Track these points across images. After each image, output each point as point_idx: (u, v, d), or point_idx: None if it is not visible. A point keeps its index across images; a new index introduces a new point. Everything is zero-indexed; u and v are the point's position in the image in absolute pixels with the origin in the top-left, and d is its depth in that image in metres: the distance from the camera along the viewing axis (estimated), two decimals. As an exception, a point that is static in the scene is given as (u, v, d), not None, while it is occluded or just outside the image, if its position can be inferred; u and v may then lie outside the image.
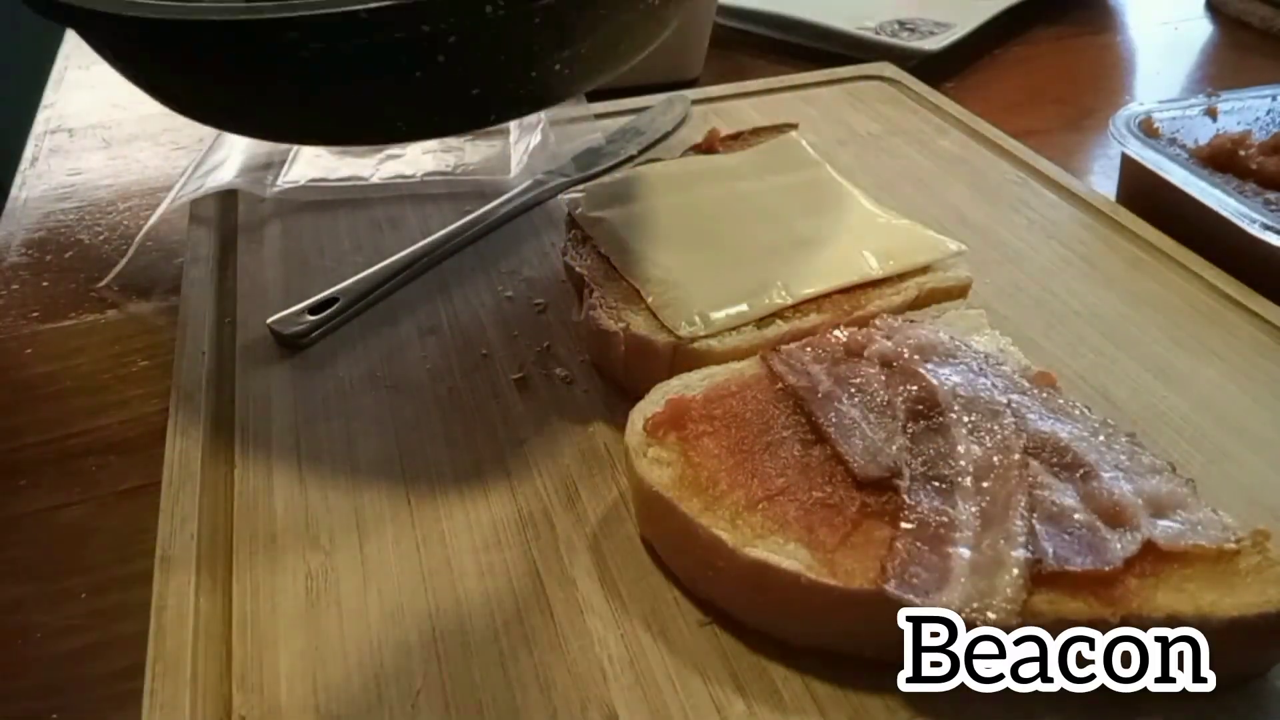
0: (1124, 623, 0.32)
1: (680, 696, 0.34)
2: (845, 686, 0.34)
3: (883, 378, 0.39)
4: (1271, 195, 0.56)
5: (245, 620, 0.37)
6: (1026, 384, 0.40)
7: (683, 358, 0.43)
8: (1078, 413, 0.39)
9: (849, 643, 0.34)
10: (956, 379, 0.39)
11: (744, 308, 0.45)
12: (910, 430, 0.37)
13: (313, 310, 0.52)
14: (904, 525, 0.33)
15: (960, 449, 0.35)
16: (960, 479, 0.35)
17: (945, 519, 0.33)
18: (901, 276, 0.48)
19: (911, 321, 0.43)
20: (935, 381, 0.38)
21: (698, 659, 0.35)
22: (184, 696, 0.34)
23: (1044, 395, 0.39)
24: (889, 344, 0.40)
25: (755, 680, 0.34)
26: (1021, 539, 0.33)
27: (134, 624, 0.37)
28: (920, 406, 0.37)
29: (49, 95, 0.87)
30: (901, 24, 0.89)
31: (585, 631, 0.36)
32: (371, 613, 0.37)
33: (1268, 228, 0.51)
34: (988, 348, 0.42)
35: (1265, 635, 0.32)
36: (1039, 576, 0.32)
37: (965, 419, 0.37)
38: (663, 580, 0.38)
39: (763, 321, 0.45)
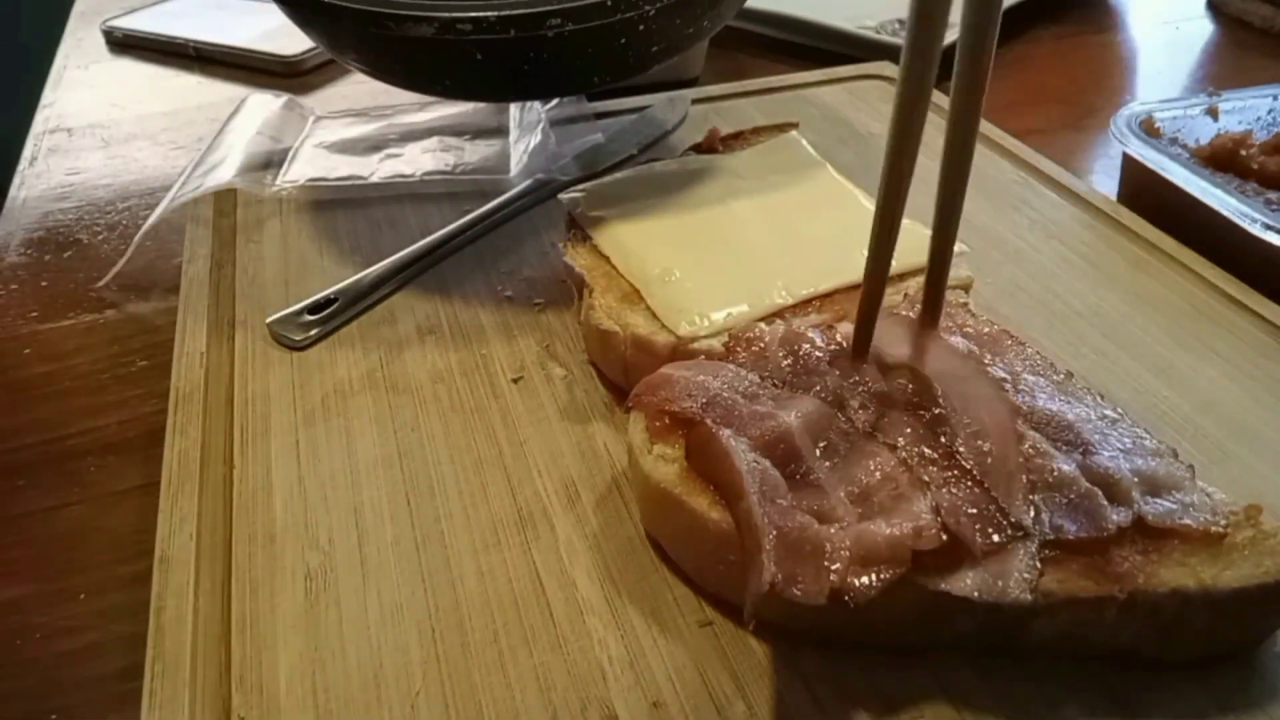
0: (1131, 598, 0.32)
1: (680, 696, 0.34)
2: (846, 687, 0.34)
3: (875, 372, 0.39)
4: (1272, 195, 0.56)
5: (244, 620, 0.37)
6: (1040, 363, 0.41)
7: (683, 358, 0.43)
8: (1089, 399, 0.39)
9: (861, 631, 0.34)
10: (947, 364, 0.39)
11: (744, 307, 0.45)
12: (907, 418, 0.37)
13: (312, 310, 0.52)
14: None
15: (959, 432, 0.36)
16: (961, 461, 0.35)
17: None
18: (902, 276, 0.48)
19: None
20: (927, 372, 0.39)
21: (698, 659, 0.35)
22: (183, 697, 0.34)
23: (1059, 379, 0.40)
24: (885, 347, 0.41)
25: (755, 680, 0.34)
26: (1029, 519, 0.33)
27: (133, 624, 0.37)
28: (916, 398, 0.38)
29: (48, 94, 0.87)
30: (902, 23, 0.88)
31: (585, 631, 0.36)
32: (371, 613, 0.37)
33: (1269, 227, 0.51)
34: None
35: (1265, 603, 0.33)
36: (1046, 558, 0.33)
37: (959, 402, 0.37)
38: (663, 580, 0.38)
39: (763, 321, 0.45)
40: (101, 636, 0.39)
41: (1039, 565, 0.32)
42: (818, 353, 0.40)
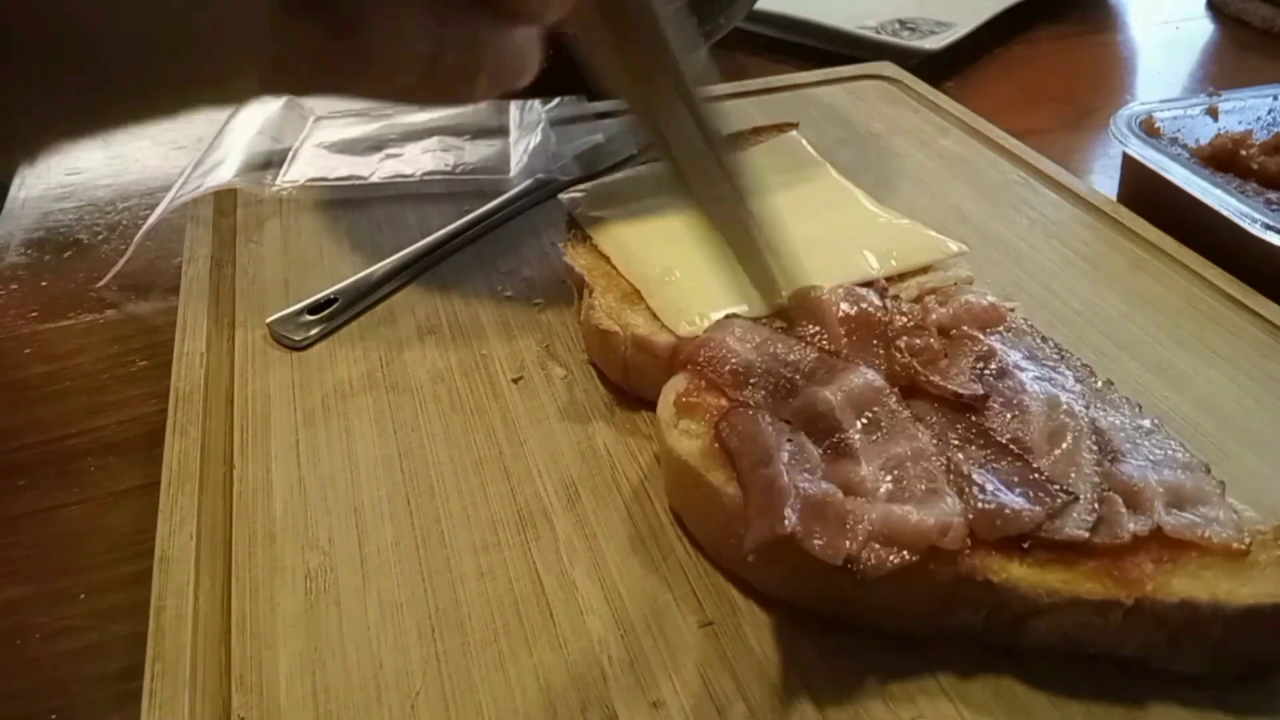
0: (1137, 605, 0.32)
1: (680, 697, 0.34)
2: (846, 687, 0.34)
3: (943, 342, 0.41)
4: (1272, 195, 0.56)
5: (244, 620, 0.37)
6: (1080, 370, 0.41)
7: (683, 357, 0.43)
8: (1126, 408, 0.40)
9: (865, 612, 0.34)
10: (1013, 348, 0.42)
11: (744, 308, 0.45)
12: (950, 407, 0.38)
13: (312, 310, 0.52)
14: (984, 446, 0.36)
15: (1030, 388, 0.38)
16: (1032, 406, 0.37)
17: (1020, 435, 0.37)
18: (902, 276, 0.48)
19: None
20: (991, 344, 0.41)
21: (698, 659, 0.35)
22: (183, 697, 0.34)
23: (1098, 386, 0.41)
24: (946, 311, 0.43)
25: (755, 680, 0.34)
26: (1093, 462, 0.35)
27: (133, 624, 0.37)
28: (981, 363, 0.40)
29: (48, 95, 0.87)
30: (902, 23, 0.89)
31: (585, 631, 0.36)
32: (371, 613, 0.37)
33: (1269, 227, 0.51)
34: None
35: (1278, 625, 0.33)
36: (1057, 557, 0.33)
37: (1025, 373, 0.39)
38: (663, 580, 0.38)
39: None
40: (101, 636, 0.39)
41: (1098, 507, 0.33)
42: (876, 320, 0.42)
